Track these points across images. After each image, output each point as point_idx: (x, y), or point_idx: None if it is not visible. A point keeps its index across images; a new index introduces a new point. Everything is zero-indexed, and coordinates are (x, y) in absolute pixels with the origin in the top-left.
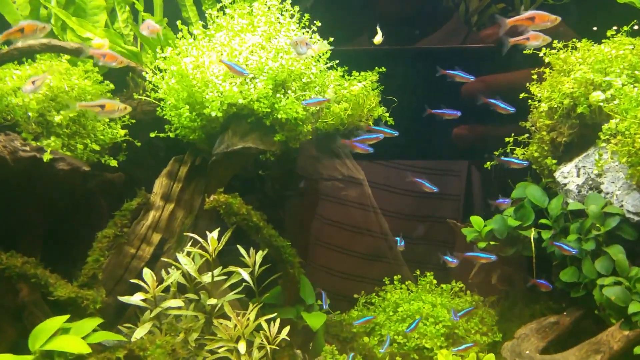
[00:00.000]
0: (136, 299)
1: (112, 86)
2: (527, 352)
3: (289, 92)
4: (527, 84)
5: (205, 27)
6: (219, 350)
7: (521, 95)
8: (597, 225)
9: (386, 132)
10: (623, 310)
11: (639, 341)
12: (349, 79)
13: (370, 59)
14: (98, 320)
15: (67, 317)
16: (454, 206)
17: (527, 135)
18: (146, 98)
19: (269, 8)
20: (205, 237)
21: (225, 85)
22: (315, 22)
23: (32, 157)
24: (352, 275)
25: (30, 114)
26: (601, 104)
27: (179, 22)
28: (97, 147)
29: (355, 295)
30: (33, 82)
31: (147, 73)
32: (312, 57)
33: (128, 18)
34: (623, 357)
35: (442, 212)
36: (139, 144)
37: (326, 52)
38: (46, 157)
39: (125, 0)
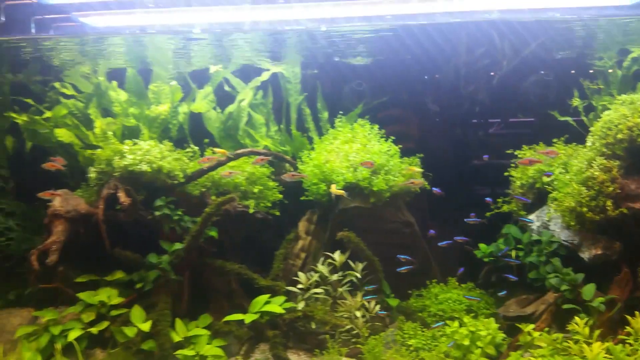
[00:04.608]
0: (297, 288)
1: (272, 169)
2: (511, 310)
3: (379, 175)
4: (509, 169)
5: (320, 135)
6: (343, 316)
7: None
8: (546, 248)
9: None
10: (559, 289)
11: (561, 300)
12: (406, 162)
13: None
14: (284, 298)
15: (268, 295)
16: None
17: (509, 197)
18: (292, 176)
19: (362, 126)
20: (328, 257)
21: (344, 172)
22: (390, 137)
23: (242, 211)
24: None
25: (242, 187)
26: (547, 185)
27: (316, 137)
28: (269, 204)
29: (409, 291)
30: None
31: (298, 163)
32: (389, 153)
33: (277, 129)
34: (559, 311)
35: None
36: (286, 201)
37: (397, 152)
38: (251, 210)
39: (275, 119)
